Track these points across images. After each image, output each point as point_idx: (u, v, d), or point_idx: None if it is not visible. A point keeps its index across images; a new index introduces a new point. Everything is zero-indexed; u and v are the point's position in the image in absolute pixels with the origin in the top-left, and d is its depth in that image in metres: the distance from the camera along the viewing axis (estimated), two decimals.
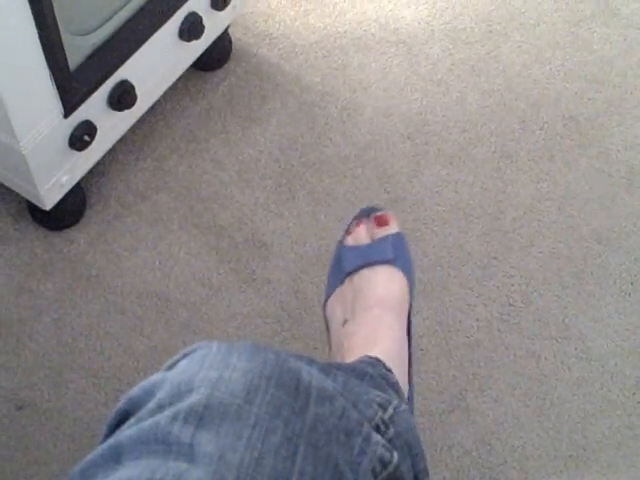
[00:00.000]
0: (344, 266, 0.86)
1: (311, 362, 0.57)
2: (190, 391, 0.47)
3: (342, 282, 0.86)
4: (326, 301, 0.88)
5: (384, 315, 0.81)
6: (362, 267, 0.84)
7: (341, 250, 0.89)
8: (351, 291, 0.84)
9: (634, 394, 1.00)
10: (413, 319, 0.86)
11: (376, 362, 0.72)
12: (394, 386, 0.69)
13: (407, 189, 1.15)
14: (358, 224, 0.89)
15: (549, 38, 1.32)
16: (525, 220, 1.13)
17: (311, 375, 0.52)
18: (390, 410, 0.60)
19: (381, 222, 0.88)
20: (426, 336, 1.03)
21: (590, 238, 1.11)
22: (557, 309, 1.06)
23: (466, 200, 1.14)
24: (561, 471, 0.94)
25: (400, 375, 0.74)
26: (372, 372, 0.67)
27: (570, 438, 0.97)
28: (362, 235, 0.88)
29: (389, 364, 0.73)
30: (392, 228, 0.88)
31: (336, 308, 0.85)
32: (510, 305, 1.06)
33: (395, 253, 0.85)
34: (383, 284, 0.83)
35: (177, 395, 0.48)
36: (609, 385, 1.00)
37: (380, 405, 0.60)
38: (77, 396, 0.98)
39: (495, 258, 1.09)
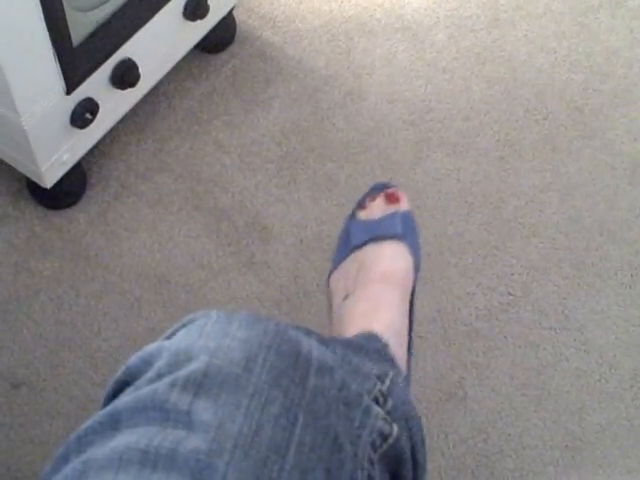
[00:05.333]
0: (351, 240, 0.84)
1: (309, 333, 0.57)
2: (189, 360, 0.47)
3: (347, 256, 0.84)
4: (330, 275, 0.86)
5: (386, 291, 0.79)
6: (369, 241, 0.83)
7: (350, 224, 0.87)
8: (355, 265, 0.83)
9: (631, 386, 1.00)
10: (415, 302, 0.85)
11: (373, 336, 0.71)
12: (390, 361, 0.69)
13: (409, 176, 1.14)
14: (373, 199, 0.88)
15: (555, 28, 1.31)
16: (527, 210, 1.12)
17: (311, 346, 0.51)
18: (387, 382, 0.60)
19: (392, 199, 0.87)
20: (425, 324, 1.03)
21: (592, 229, 1.11)
22: (557, 300, 1.05)
23: (468, 188, 1.14)
24: (557, 461, 0.94)
25: (398, 355, 0.73)
26: (368, 346, 0.67)
27: (567, 428, 0.96)
28: (375, 210, 0.87)
29: (387, 340, 0.72)
30: (403, 206, 0.87)
31: (339, 282, 0.84)
32: (510, 295, 1.05)
33: (404, 229, 0.83)
34: (389, 259, 0.82)
35: (176, 364, 0.47)
36: (607, 377, 1.00)
37: (378, 377, 0.59)
38: (73, 375, 0.98)
39: (496, 247, 1.09)
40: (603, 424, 0.97)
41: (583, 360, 1.01)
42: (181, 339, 0.49)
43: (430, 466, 0.94)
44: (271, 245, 1.08)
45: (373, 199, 0.88)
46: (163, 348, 0.49)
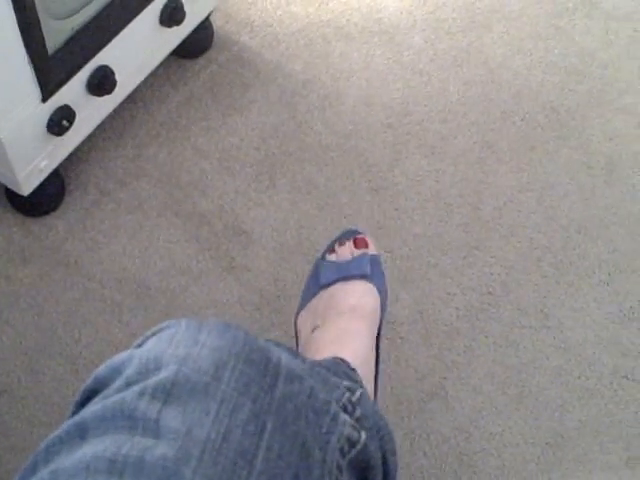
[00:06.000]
0: (320, 279, 0.88)
1: (279, 344, 0.57)
2: (158, 368, 0.47)
3: (316, 294, 0.87)
4: (298, 313, 0.89)
5: (355, 322, 0.82)
6: (338, 280, 0.86)
7: (319, 265, 0.90)
8: (323, 302, 0.85)
9: (611, 383, 1.00)
10: (382, 344, 0.87)
11: (340, 361, 0.72)
12: (359, 382, 0.69)
13: (388, 178, 1.15)
14: (342, 243, 0.91)
15: (531, 30, 1.32)
16: (505, 210, 1.13)
17: (280, 354, 0.51)
18: (357, 394, 0.60)
19: (360, 244, 0.91)
20: (406, 324, 1.03)
21: (569, 228, 1.12)
22: (536, 298, 1.06)
23: (447, 190, 1.14)
24: (538, 458, 0.95)
25: (365, 383, 0.73)
26: (336, 369, 0.67)
27: (548, 426, 0.97)
28: (344, 253, 0.90)
29: (355, 367, 0.72)
30: (370, 250, 0.90)
31: (308, 319, 0.86)
32: (489, 294, 1.06)
33: (372, 271, 0.87)
34: (357, 294, 0.85)
35: (145, 372, 0.47)
36: (587, 374, 1.01)
37: (348, 389, 0.60)
38: (54, 383, 0.97)
39: (475, 247, 1.10)
40: (583, 421, 0.98)
41: (563, 358, 1.02)
42: (151, 348, 0.49)
43: (412, 466, 0.94)
44: (251, 249, 1.08)
45: (342, 244, 0.91)
46: (133, 357, 0.49)
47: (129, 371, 0.48)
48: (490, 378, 1.00)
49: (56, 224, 1.08)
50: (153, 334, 0.52)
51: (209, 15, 1.20)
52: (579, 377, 1.01)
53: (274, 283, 1.05)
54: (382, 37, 1.29)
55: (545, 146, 1.19)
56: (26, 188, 1.01)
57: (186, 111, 1.19)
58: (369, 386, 0.77)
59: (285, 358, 0.52)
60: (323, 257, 0.93)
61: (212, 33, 1.24)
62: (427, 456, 0.95)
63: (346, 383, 0.61)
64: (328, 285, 0.87)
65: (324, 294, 0.87)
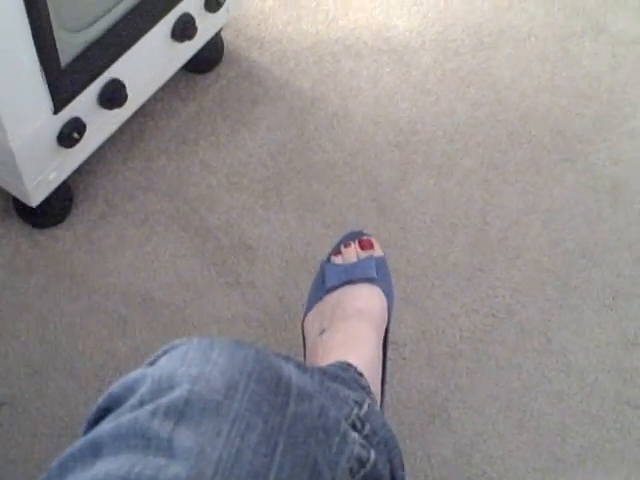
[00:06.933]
0: (326, 282, 0.88)
1: (288, 359, 0.58)
2: (171, 387, 0.47)
3: (321, 298, 0.87)
4: (305, 316, 0.89)
5: (362, 326, 0.82)
6: (345, 283, 0.86)
7: (325, 267, 0.90)
8: (330, 305, 0.85)
9: (613, 409, 1.00)
10: (389, 347, 0.87)
11: (347, 366, 0.72)
12: (365, 389, 0.70)
13: (394, 197, 1.15)
14: (347, 245, 0.91)
15: (539, 52, 1.33)
16: (510, 232, 1.13)
17: (290, 372, 0.52)
18: (365, 407, 0.61)
19: (365, 246, 0.91)
20: (409, 345, 1.03)
21: (574, 252, 1.12)
22: (540, 322, 1.06)
23: (452, 210, 1.15)
24: None
25: (372, 387, 0.74)
26: (344, 375, 0.68)
27: (549, 451, 0.97)
28: (349, 256, 0.90)
29: (362, 371, 0.73)
30: (376, 252, 0.90)
31: (314, 322, 0.86)
32: (493, 316, 1.06)
33: (378, 274, 0.87)
34: (364, 298, 0.85)
35: (158, 391, 0.48)
36: (589, 399, 1.01)
37: (356, 402, 0.60)
38: (57, 395, 0.97)
39: (479, 269, 1.10)
40: (585, 446, 0.98)
41: (565, 382, 1.02)
42: (163, 366, 0.50)
43: None
44: (257, 265, 1.08)
45: (348, 245, 0.91)
46: (146, 375, 0.49)
47: (142, 390, 0.48)
48: (492, 401, 1.00)
49: (63, 236, 1.08)
50: (165, 352, 0.52)
51: (220, 30, 1.21)
52: (581, 402, 1.01)
53: (279, 300, 1.05)
54: (391, 56, 1.30)
55: (551, 169, 1.20)
56: (35, 199, 1.01)
57: (195, 126, 1.19)
58: (375, 390, 0.77)
59: (295, 375, 0.52)
60: (329, 259, 0.92)
61: (222, 48, 1.25)
62: (428, 478, 0.95)
63: (354, 396, 0.61)
64: (334, 288, 0.87)
65: (331, 297, 0.87)
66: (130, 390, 0.49)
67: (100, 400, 0.51)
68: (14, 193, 1.03)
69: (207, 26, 1.15)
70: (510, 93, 1.28)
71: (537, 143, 1.22)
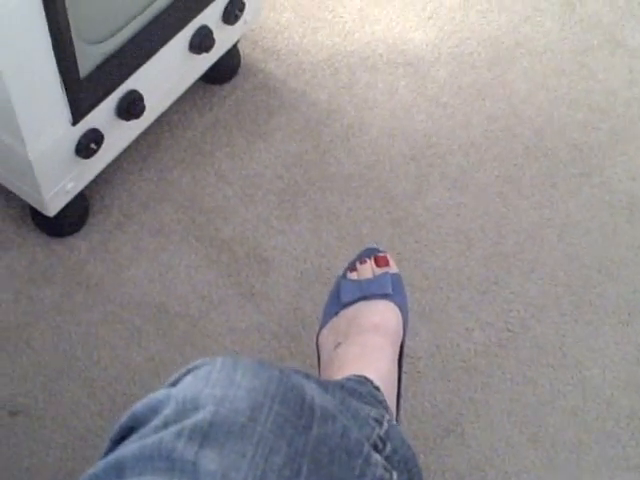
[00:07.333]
0: (342, 298, 0.88)
1: (308, 377, 0.58)
2: (196, 409, 0.47)
3: (337, 313, 0.87)
4: (319, 330, 0.89)
5: (378, 340, 0.82)
6: (360, 299, 0.86)
7: (340, 282, 0.91)
8: (346, 320, 0.85)
9: (628, 425, 1.00)
10: (404, 361, 0.87)
11: (364, 380, 0.72)
12: (383, 403, 0.70)
13: (409, 210, 1.15)
14: (363, 262, 0.92)
15: (555, 66, 1.33)
16: (526, 246, 1.13)
17: (313, 391, 0.52)
18: (385, 425, 0.61)
19: (381, 262, 0.92)
20: (423, 359, 1.03)
21: (590, 267, 1.12)
22: (555, 337, 1.06)
23: (467, 224, 1.15)
24: None
25: (388, 402, 0.74)
26: (361, 390, 0.68)
27: (564, 467, 0.97)
28: (365, 272, 0.90)
29: (378, 385, 0.73)
30: (391, 268, 0.91)
31: (329, 336, 0.86)
32: (508, 331, 1.06)
33: (393, 289, 0.87)
34: (380, 313, 0.85)
35: (182, 412, 0.47)
36: (604, 415, 1.00)
37: (376, 420, 0.60)
38: (72, 405, 0.98)
39: (495, 283, 1.10)
40: (599, 463, 0.97)
41: (580, 398, 1.01)
42: (187, 387, 0.50)
43: None
44: (271, 277, 1.08)
45: (363, 262, 0.91)
46: (170, 396, 0.49)
47: (167, 411, 0.48)
48: (507, 416, 1.00)
49: (79, 245, 1.09)
50: (188, 372, 0.52)
51: (237, 42, 1.21)
52: (596, 418, 1.00)
53: (293, 312, 1.05)
54: (407, 69, 1.30)
55: (567, 183, 1.19)
56: (52, 209, 1.01)
57: (211, 137, 1.20)
58: (391, 405, 0.77)
59: (317, 394, 0.52)
60: (344, 275, 0.93)
61: (239, 60, 1.26)
62: None
63: (374, 413, 0.61)
64: (350, 304, 0.87)
65: (346, 313, 0.87)
66: (154, 411, 0.49)
67: (123, 419, 0.51)
68: (31, 203, 1.03)
69: (224, 38, 1.15)
70: (526, 107, 1.27)
71: (553, 157, 1.22)
